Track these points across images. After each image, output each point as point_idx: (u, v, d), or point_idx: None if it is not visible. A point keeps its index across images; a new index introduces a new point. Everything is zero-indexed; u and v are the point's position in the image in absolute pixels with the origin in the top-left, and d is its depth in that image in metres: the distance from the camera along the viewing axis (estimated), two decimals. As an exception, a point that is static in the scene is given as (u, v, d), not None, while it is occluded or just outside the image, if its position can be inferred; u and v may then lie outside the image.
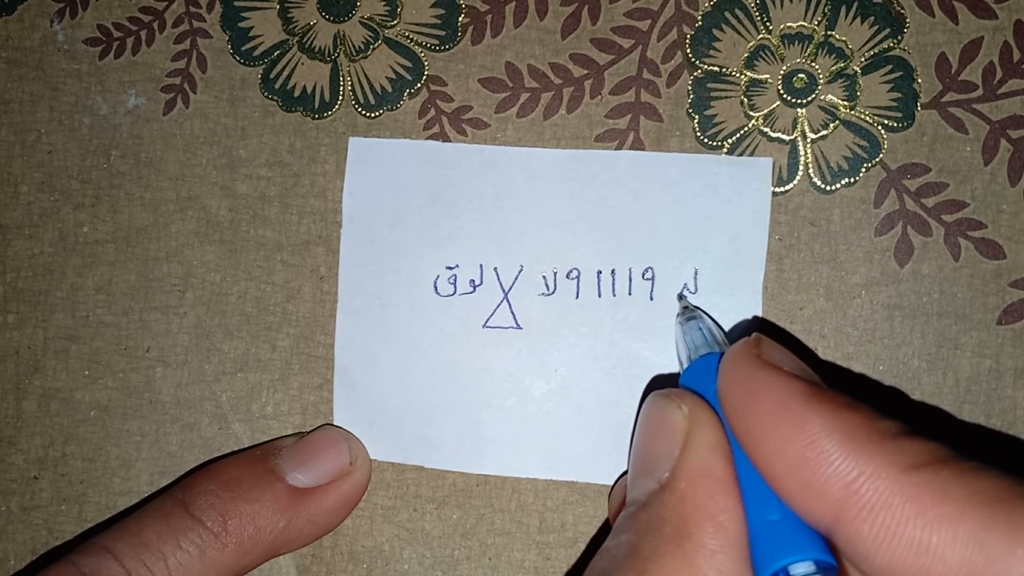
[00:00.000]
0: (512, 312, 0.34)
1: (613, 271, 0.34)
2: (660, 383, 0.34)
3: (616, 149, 0.34)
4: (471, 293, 0.34)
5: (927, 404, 0.33)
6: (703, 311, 0.32)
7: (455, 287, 0.34)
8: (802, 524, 0.22)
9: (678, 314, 0.32)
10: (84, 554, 0.30)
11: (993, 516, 0.19)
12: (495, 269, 0.34)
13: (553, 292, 0.34)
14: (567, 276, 0.34)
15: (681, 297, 0.34)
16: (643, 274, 0.34)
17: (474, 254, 0.34)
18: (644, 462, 0.26)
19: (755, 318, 0.34)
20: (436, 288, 0.35)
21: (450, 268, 0.34)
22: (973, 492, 0.20)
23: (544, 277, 0.34)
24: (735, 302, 0.33)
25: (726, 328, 0.33)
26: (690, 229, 0.34)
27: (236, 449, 0.35)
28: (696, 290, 0.34)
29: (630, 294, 0.34)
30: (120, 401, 0.36)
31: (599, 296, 0.34)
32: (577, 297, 0.34)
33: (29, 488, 0.36)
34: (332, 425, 0.35)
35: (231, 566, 0.31)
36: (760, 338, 0.26)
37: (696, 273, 0.34)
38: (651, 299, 0.34)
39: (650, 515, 0.24)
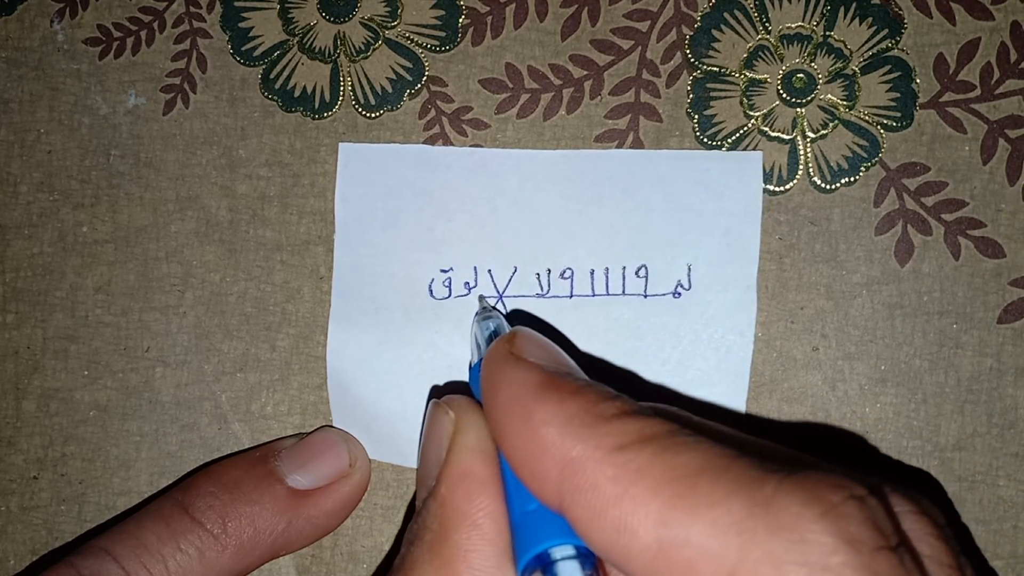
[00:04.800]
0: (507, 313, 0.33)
1: (607, 269, 0.33)
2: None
3: (616, 149, 0.33)
4: (466, 295, 0.33)
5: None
6: (499, 312, 0.31)
7: (450, 290, 0.33)
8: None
9: (476, 314, 0.31)
10: (84, 556, 0.29)
11: (679, 493, 0.19)
12: (489, 271, 0.33)
13: (547, 292, 0.33)
14: (561, 276, 0.33)
15: (481, 298, 0.33)
16: (636, 272, 0.33)
17: (468, 256, 0.34)
18: (421, 472, 0.26)
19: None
20: (431, 291, 0.34)
21: (444, 271, 0.33)
22: (668, 469, 0.19)
23: (538, 276, 0.33)
24: (730, 297, 0.33)
25: (721, 325, 0.32)
26: (682, 225, 0.33)
27: (236, 449, 0.34)
28: (690, 287, 0.33)
29: (624, 292, 0.33)
30: (120, 401, 0.34)
31: (592, 295, 0.33)
32: (571, 297, 0.33)
33: (29, 488, 0.35)
34: (331, 427, 0.34)
35: (231, 568, 0.30)
36: (516, 332, 0.25)
37: (689, 269, 0.33)
38: (645, 297, 0.33)
39: (418, 524, 0.24)
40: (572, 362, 0.25)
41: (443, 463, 0.24)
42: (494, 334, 0.29)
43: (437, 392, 0.33)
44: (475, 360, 0.29)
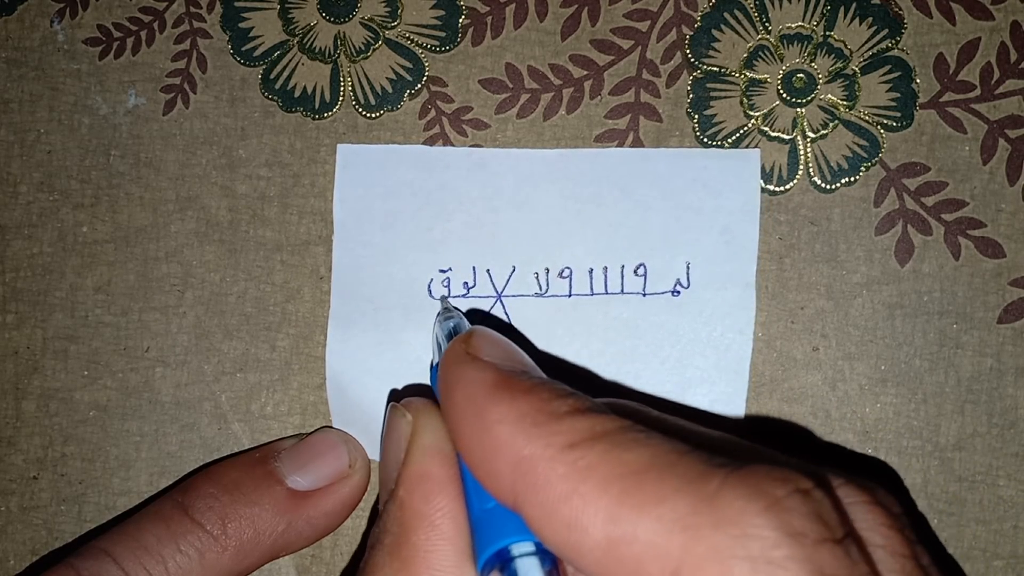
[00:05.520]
0: (506, 313, 0.33)
1: (605, 268, 0.33)
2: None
3: (614, 148, 0.33)
4: (464, 296, 0.33)
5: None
6: (461, 312, 0.31)
7: (449, 290, 0.33)
8: None
9: (438, 314, 0.31)
10: (83, 557, 0.28)
11: (627, 490, 0.19)
12: (488, 271, 0.33)
13: (546, 292, 0.33)
14: (559, 275, 0.33)
15: (443, 299, 0.33)
16: (635, 270, 0.33)
17: (467, 256, 0.33)
18: (381, 476, 0.26)
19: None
20: (430, 291, 0.33)
21: (443, 271, 0.33)
22: (617, 466, 0.19)
23: (536, 276, 0.33)
24: (728, 295, 0.32)
25: (720, 323, 0.32)
26: (681, 223, 0.32)
27: (236, 449, 0.34)
28: (689, 285, 0.32)
29: (622, 291, 0.33)
30: (119, 401, 0.34)
31: (591, 294, 0.33)
32: (569, 296, 0.33)
33: (29, 488, 0.34)
34: (331, 427, 0.33)
35: (231, 569, 0.30)
36: (473, 331, 0.25)
37: (688, 267, 0.32)
38: (643, 295, 0.33)
39: (379, 528, 0.24)
40: (529, 360, 0.25)
41: (401, 465, 0.25)
42: (453, 333, 0.28)
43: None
44: (436, 360, 0.29)
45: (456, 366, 0.24)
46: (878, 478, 0.32)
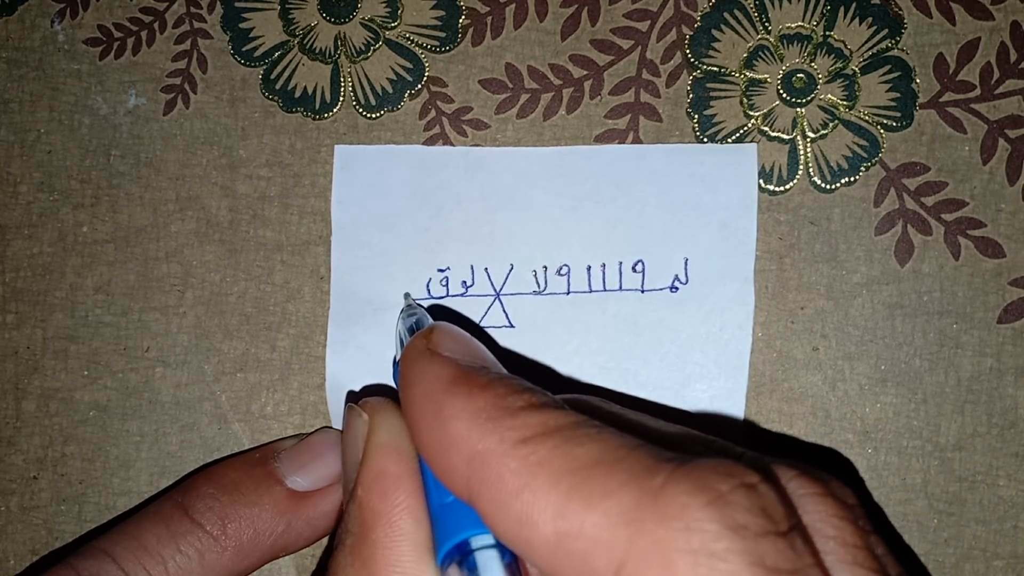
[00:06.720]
0: (504, 311, 0.33)
1: (603, 265, 0.33)
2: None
3: (610, 145, 0.33)
4: (463, 295, 0.33)
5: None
6: (424, 309, 0.30)
7: (447, 289, 0.33)
8: None
9: (401, 311, 0.30)
10: (83, 557, 0.28)
11: (575, 485, 0.19)
12: (486, 269, 0.33)
13: (544, 289, 0.33)
14: (557, 273, 0.33)
15: (407, 295, 0.32)
16: (633, 267, 0.32)
17: (465, 255, 0.33)
18: (344, 478, 0.26)
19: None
20: (429, 291, 0.33)
21: (441, 271, 0.33)
22: (567, 461, 0.19)
23: (535, 274, 0.33)
24: (727, 290, 0.32)
25: (719, 319, 0.32)
26: (678, 219, 0.32)
27: (236, 449, 0.34)
28: (687, 280, 0.32)
29: (621, 288, 0.32)
30: (119, 401, 0.34)
31: (590, 291, 0.33)
32: (568, 293, 0.33)
33: (29, 488, 0.34)
34: (331, 428, 0.33)
35: (231, 569, 0.29)
36: (434, 327, 0.25)
37: (686, 263, 0.32)
38: (642, 292, 0.32)
39: (341, 529, 0.24)
40: (490, 356, 0.25)
41: (359, 465, 0.24)
42: (416, 329, 0.28)
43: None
44: (398, 356, 0.29)
45: (415, 362, 0.24)
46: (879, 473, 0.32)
